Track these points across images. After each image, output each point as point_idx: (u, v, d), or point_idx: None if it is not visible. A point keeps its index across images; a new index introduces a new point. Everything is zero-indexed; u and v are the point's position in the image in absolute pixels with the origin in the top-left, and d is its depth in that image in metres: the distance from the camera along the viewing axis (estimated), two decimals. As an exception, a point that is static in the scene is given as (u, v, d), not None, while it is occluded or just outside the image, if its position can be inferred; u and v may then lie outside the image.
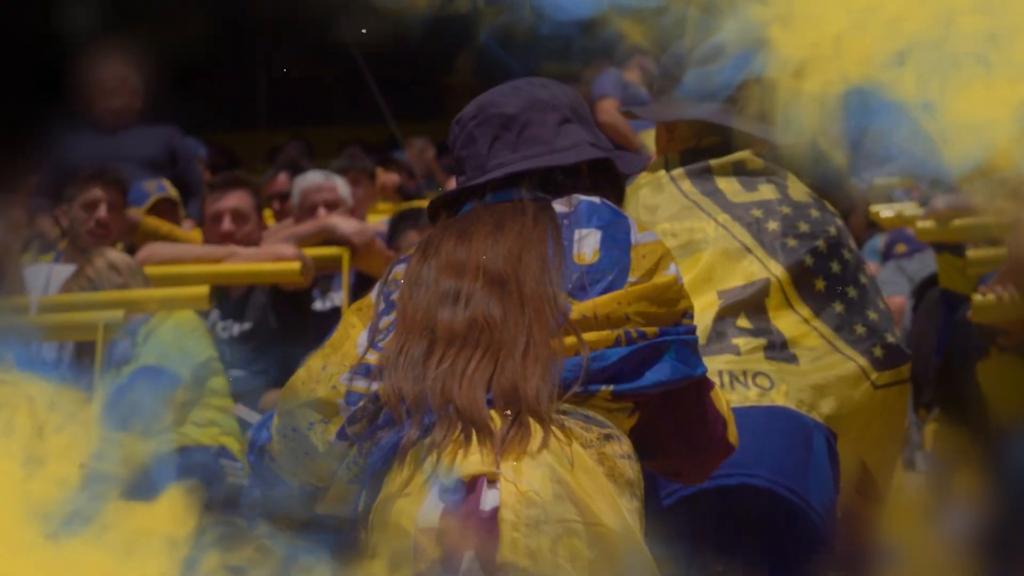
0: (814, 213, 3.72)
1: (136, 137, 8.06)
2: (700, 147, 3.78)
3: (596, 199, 3.08)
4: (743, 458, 3.35)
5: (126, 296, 5.95)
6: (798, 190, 3.76)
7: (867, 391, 3.61)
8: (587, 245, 2.99)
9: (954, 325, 6.34)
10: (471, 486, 2.74)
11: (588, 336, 2.89)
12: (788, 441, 3.48)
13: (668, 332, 2.94)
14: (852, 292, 3.67)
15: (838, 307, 3.64)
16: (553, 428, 2.78)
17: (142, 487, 2.99)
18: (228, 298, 6.94)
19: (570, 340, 2.88)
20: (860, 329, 3.63)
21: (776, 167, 3.78)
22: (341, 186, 7.64)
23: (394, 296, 3.00)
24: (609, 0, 3.37)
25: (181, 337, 6.02)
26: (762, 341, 3.55)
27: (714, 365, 3.47)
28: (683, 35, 3.70)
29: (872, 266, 7.45)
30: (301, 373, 2.99)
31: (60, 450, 2.91)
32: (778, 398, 3.50)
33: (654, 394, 2.92)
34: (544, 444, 2.75)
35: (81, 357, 5.82)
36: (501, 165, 3.11)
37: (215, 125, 12.02)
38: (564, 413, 2.83)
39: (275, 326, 6.85)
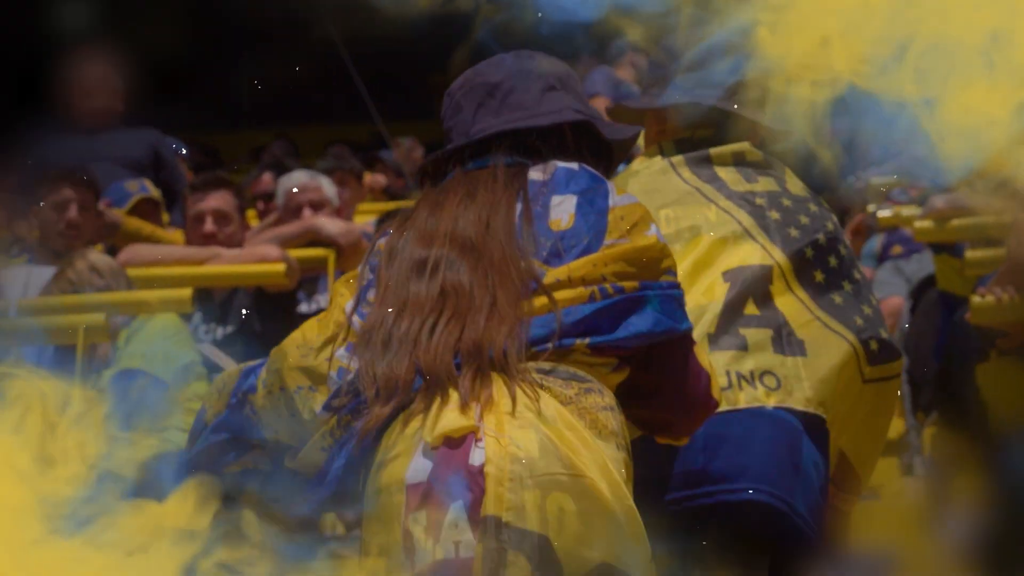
0: (812, 207, 3.72)
1: (118, 138, 8.02)
2: (695, 138, 3.77)
3: (575, 165, 3.08)
4: (727, 472, 3.39)
5: (108, 299, 5.92)
6: (796, 185, 3.78)
7: (856, 383, 3.61)
8: (563, 211, 3.01)
9: (953, 327, 6.32)
10: (458, 442, 2.77)
11: (561, 295, 2.90)
12: (773, 447, 3.46)
13: (649, 286, 2.94)
14: (848, 287, 3.68)
15: (836, 299, 3.64)
16: (526, 384, 2.81)
17: (136, 490, 3.00)
18: (211, 300, 6.87)
19: (541, 300, 2.90)
20: (858, 321, 3.63)
21: (773, 161, 3.78)
22: (327, 186, 7.59)
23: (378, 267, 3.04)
24: (610, 1, 3.33)
25: (163, 340, 5.98)
26: (769, 332, 3.54)
27: (721, 361, 3.47)
28: (677, 30, 3.66)
29: (867, 271, 7.39)
30: (296, 336, 3.04)
31: (66, 448, 2.94)
32: (771, 399, 3.49)
33: (635, 346, 2.93)
34: (515, 399, 2.78)
35: (61, 361, 5.75)
36: (483, 131, 3.12)
37: (199, 124, 11.97)
38: (547, 372, 2.85)
39: (259, 329, 6.79)
